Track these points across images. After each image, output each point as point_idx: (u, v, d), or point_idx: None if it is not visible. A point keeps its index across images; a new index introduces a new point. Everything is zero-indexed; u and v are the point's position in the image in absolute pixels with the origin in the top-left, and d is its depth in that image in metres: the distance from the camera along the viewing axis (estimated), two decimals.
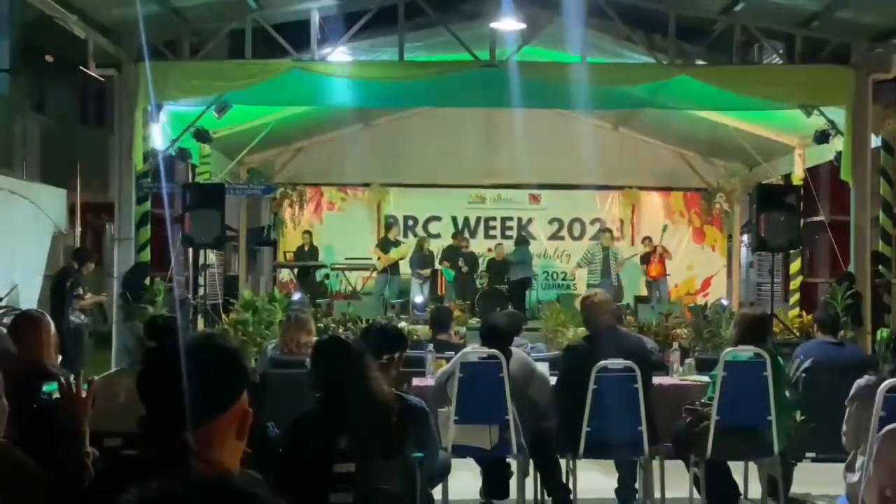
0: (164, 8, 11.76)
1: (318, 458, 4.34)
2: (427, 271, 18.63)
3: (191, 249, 13.43)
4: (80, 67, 12.83)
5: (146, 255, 12.67)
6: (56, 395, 3.67)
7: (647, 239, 19.09)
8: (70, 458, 3.44)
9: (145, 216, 12.76)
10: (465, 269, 18.56)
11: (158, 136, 12.95)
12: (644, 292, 18.63)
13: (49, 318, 5.56)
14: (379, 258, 18.57)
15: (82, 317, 11.84)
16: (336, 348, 4.80)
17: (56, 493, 3.28)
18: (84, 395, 3.57)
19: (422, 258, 18.59)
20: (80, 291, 11.91)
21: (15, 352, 5.40)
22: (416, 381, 8.05)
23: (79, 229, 16.14)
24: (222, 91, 12.79)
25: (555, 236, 20.36)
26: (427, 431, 5.73)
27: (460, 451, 7.08)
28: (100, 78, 13.69)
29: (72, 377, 3.62)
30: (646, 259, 18.79)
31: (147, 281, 12.09)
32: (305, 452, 4.39)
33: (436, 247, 19.31)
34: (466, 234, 19.73)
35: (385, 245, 18.67)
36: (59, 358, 5.83)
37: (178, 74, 12.39)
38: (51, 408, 3.79)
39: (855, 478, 5.20)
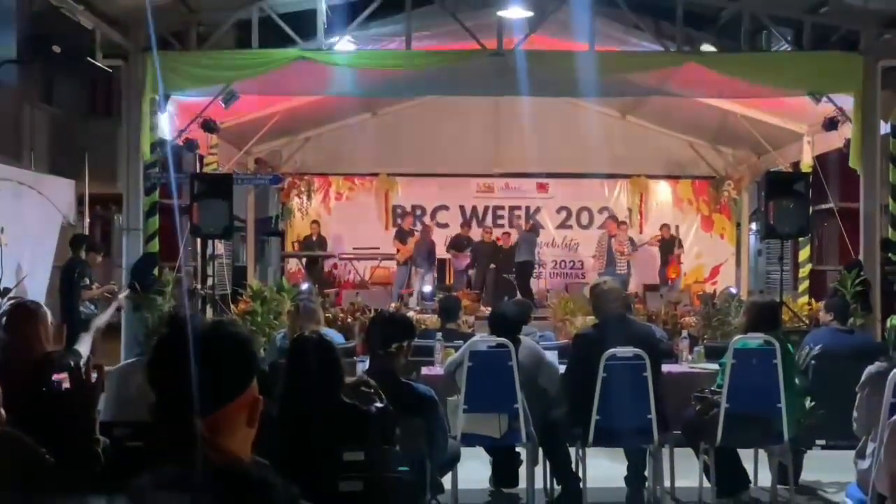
0: None
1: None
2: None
3: (199, 240, 13.43)
4: (88, 58, 12.82)
5: (155, 246, 12.66)
6: (66, 383, 3.67)
7: (665, 226, 19.13)
8: (80, 446, 3.44)
9: (153, 206, 12.76)
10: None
11: (166, 126, 12.94)
12: (657, 281, 18.69)
13: (45, 309, 5.57)
14: (399, 250, 18.62)
15: (92, 307, 11.86)
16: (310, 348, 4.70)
17: (66, 480, 3.29)
18: (93, 381, 3.57)
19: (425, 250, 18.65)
20: (87, 282, 11.92)
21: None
22: (424, 370, 8.07)
23: (87, 220, 16.13)
24: (229, 80, 12.77)
25: (563, 225, 20.36)
26: (436, 420, 5.75)
27: (470, 439, 7.09)
28: (107, 69, 13.68)
29: (81, 363, 3.62)
30: (667, 248, 18.85)
31: (156, 271, 12.10)
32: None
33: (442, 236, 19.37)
34: (474, 223, 19.78)
35: (402, 236, 18.72)
36: (61, 348, 5.84)
37: (185, 64, 12.37)
38: (60, 395, 3.79)
39: (865, 464, 5.19)
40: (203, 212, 11.74)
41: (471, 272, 18.93)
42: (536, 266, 19.07)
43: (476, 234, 19.47)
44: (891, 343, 8.60)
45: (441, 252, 19.20)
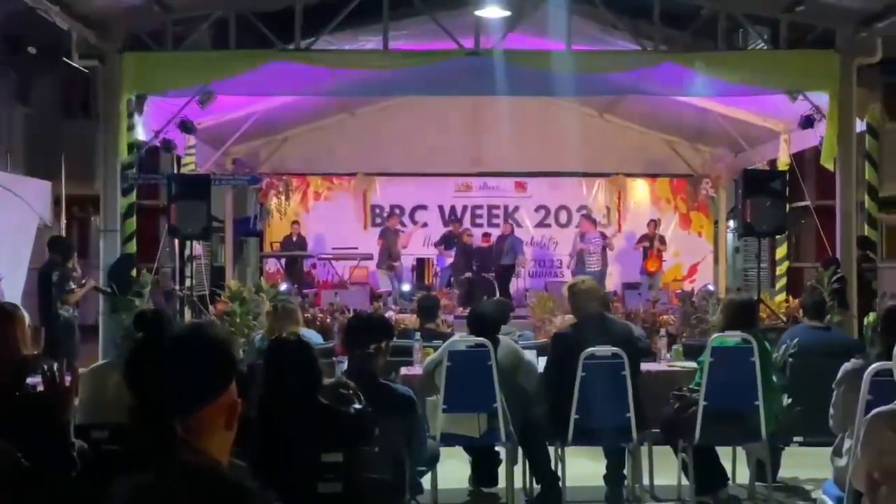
0: None
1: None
2: (397, 263, 18.66)
3: (177, 241, 13.37)
4: (64, 59, 12.77)
5: (132, 247, 12.62)
6: (40, 386, 3.65)
7: (652, 222, 19.18)
8: (55, 450, 3.42)
9: (131, 208, 12.71)
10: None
11: (143, 127, 12.89)
12: (637, 280, 18.73)
13: (23, 311, 5.53)
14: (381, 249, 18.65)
15: (71, 310, 11.80)
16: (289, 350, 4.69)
17: (43, 485, 3.27)
18: (67, 384, 3.55)
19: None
20: (71, 286, 11.86)
21: None
22: (403, 370, 8.07)
23: (64, 221, 16.06)
24: (207, 81, 12.72)
25: (541, 224, 20.38)
26: (415, 420, 5.75)
27: (449, 439, 7.09)
28: (83, 69, 13.63)
29: (55, 366, 3.59)
30: (643, 239, 18.88)
31: (133, 273, 12.05)
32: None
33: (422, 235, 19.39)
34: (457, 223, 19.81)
35: (387, 236, 18.70)
36: (38, 351, 5.78)
37: (161, 65, 12.34)
38: (34, 399, 3.77)
39: (842, 462, 5.21)
40: (181, 212, 11.71)
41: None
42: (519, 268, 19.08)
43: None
44: (867, 340, 8.64)
45: (416, 250, 19.20)
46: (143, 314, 6.13)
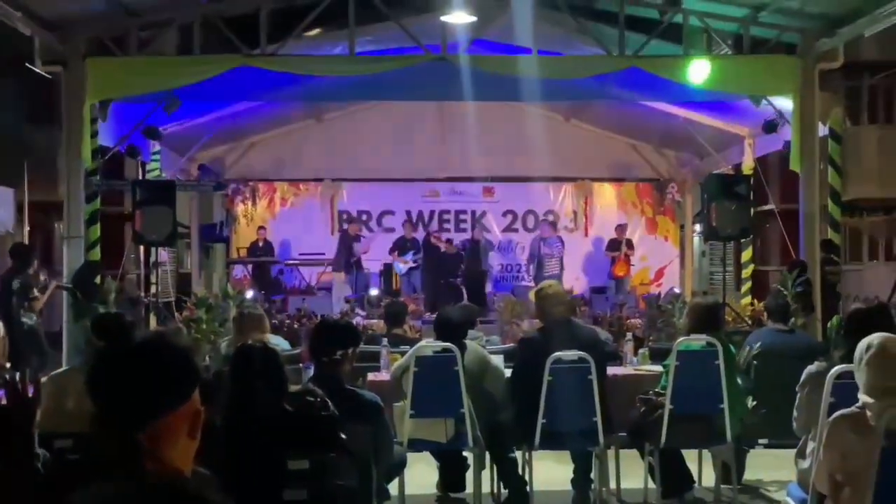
0: (111, 3, 11.63)
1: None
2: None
3: (142, 247, 13.29)
4: (26, 65, 12.66)
5: (96, 254, 12.53)
6: (2, 399, 3.61)
7: (619, 227, 19.25)
8: (18, 461, 3.39)
9: (95, 214, 12.63)
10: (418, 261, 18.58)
11: (107, 133, 12.81)
12: (604, 284, 18.81)
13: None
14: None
15: (34, 317, 11.70)
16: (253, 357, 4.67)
17: (4, 497, 3.24)
18: (31, 394, 3.52)
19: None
20: (35, 293, 11.77)
21: None
22: (371, 376, 8.05)
23: (27, 228, 15.90)
24: (171, 86, 12.66)
25: (509, 228, 20.41)
26: (382, 426, 5.74)
27: (416, 445, 7.08)
28: (47, 75, 13.52)
29: (17, 376, 3.56)
30: (614, 246, 18.94)
31: (98, 279, 11.97)
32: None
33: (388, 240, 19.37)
34: (420, 227, 19.78)
35: (347, 241, 18.64)
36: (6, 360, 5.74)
37: (126, 70, 12.27)
38: None
39: (806, 464, 5.26)
40: (146, 219, 11.66)
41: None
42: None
43: (420, 236, 19.37)
44: (832, 342, 8.71)
45: (383, 256, 19.19)
46: (104, 320, 6.08)
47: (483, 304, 16.55)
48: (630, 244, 19.15)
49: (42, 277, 12.04)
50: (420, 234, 19.34)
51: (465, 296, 17.16)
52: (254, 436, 4.35)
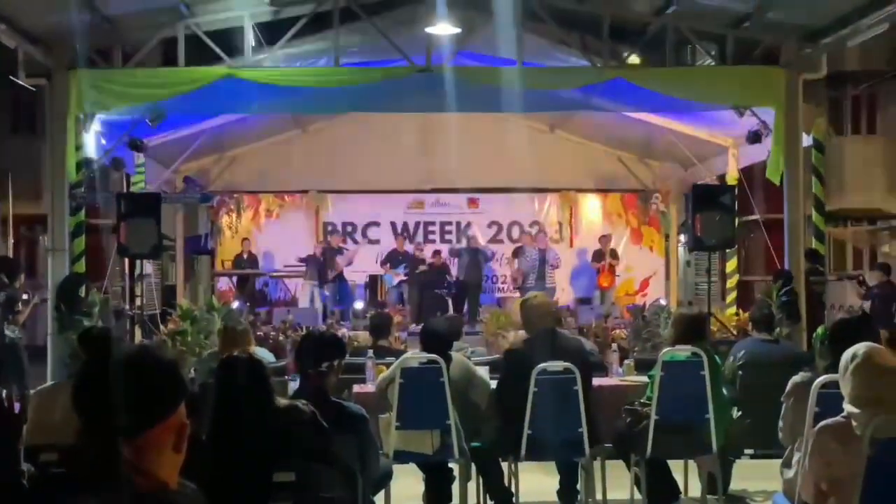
0: (95, 16, 11.61)
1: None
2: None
3: (127, 259, 13.26)
4: (10, 77, 12.63)
5: (81, 266, 12.49)
6: None
7: (603, 237, 19.26)
8: (4, 477, 3.38)
9: (79, 226, 12.58)
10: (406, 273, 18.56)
11: (92, 145, 12.78)
12: (590, 294, 18.84)
13: None
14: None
15: (16, 331, 11.65)
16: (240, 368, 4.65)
17: None
18: (17, 411, 3.52)
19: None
20: (20, 307, 11.73)
21: None
22: (356, 388, 8.04)
23: (11, 241, 15.86)
24: (155, 99, 12.65)
25: (494, 239, 20.41)
26: (367, 438, 5.73)
27: (402, 457, 7.07)
28: (31, 87, 13.49)
29: (3, 393, 3.55)
30: (598, 256, 18.94)
31: (82, 292, 11.92)
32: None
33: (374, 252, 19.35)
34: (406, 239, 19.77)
35: (329, 254, 18.60)
36: None
37: (110, 83, 12.24)
38: None
39: (791, 474, 5.26)
40: (130, 231, 11.63)
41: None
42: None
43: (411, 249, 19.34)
44: (817, 352, 8.73)
45: (368, 267, 19.16)
46: (89, 333, 6.06)
47: (477, 314, 16.61)
48: (614, 254, 19.17)
49: (25, 294, 11.99)
50: (410, 248, 19.28)
51: (452, 307, 17.20)
52: (240, 448, 4.33)
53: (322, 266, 18.13)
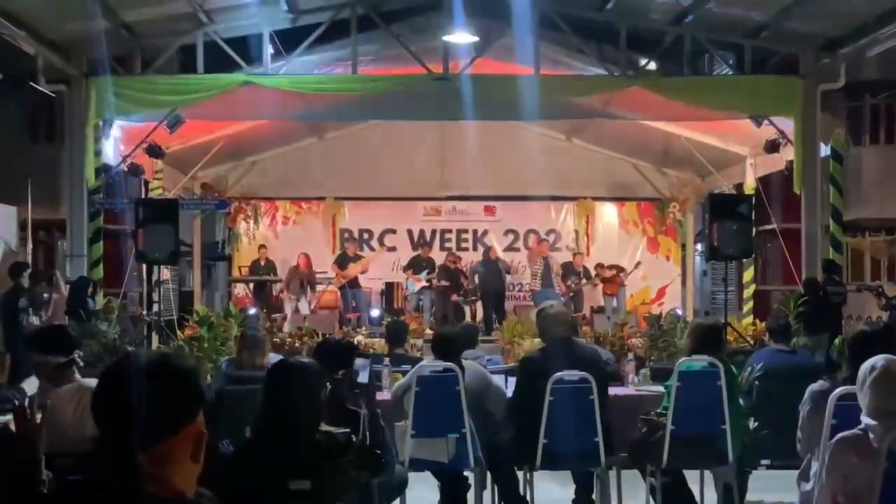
0: (114, 23, 11.69)
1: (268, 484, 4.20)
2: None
3: (144, 265, 13.31)
4: (30, 83, 12.71)
5: (99, 272, 12.55)
6: (11, 423, 3.61)
7: (578, 255, 19.11)
8: (25, 487, 3.39)
9: (98, 232, 12.65)
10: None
11: (110, 151, 12.84)
12: (601, 303, 18.75)
13: None
14: (336, 275, 18.48)
15: None
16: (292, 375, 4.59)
17: None
18: (39, 421, 3.53)
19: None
20: (43, 314, 11.78)
21: None
22: None
23: (30, 246, 15.92)
24: (174, 105, 12.71)
25: (510, 248, 20.38)
26: (383, 445, 5.73)
27: (417, 464, 7.07)
28: (50, 94, 13.57)
29: (26, 402, 3.57)
30: (567, 274, 18.74)
31: (90, 291, 11.93)
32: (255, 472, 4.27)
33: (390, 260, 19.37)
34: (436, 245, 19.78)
35: (342, 261, 18.59)
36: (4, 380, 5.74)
37: (129, 89, 12.32)
38: (5, 437, 3.73)
39: (808, 486, 5.23)
40: (148, 237, 11.66)
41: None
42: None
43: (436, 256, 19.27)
44: (834, 364, 8.69)
45: (384, 275, 19.16)
46: (42, 334, 5.98)
47: (502, 321, 16.59)
48: (587, 273, 18.83)
49: (45, 296, 12.06)
50: (435, 255, 19.22)
51: (479, 314, 17.22)
52: (273, 463, 4.26)
53: (305, 279, 18.18)
